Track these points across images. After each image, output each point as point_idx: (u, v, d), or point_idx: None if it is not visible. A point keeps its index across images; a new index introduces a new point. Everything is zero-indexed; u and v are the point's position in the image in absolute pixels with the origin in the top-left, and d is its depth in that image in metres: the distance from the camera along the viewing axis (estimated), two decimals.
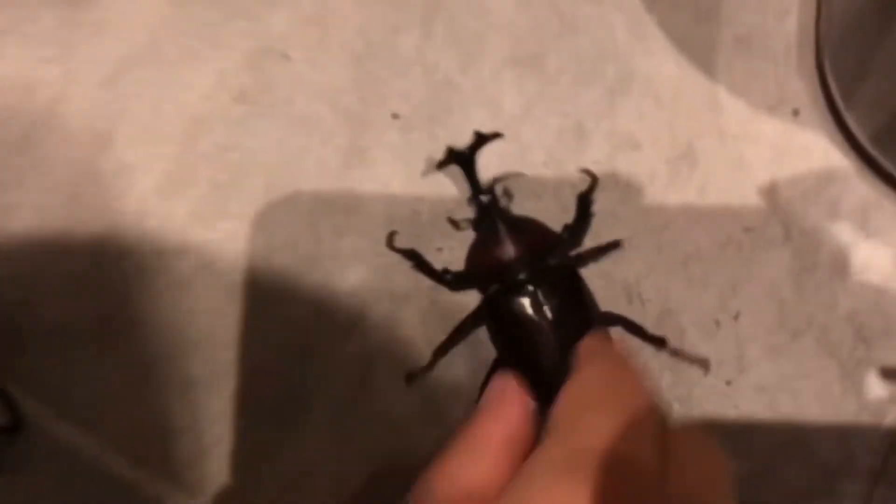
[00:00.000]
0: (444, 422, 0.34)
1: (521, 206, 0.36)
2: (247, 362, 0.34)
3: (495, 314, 0.32)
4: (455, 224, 0.35)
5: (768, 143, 0.36)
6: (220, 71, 0.38)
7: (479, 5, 0.38)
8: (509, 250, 0.31)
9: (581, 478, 0.19)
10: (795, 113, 0.37)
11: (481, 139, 0.34)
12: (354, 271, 0.35)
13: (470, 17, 0.38)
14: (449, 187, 0.36)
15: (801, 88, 0.37)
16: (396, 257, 0.35)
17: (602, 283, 0.35)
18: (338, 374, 0.34)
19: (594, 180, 0.35)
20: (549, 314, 0.30)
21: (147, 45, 0.38)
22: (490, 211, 0.33)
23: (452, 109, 0.37)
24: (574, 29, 0.38)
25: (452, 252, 0.35)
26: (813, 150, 0.36)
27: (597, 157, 0.36)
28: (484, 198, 0.33)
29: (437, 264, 0.35)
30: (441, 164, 0.34)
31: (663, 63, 0.37)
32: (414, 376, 0.34)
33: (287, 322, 0.35)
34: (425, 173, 0.36)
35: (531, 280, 0.31)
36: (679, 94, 0.37)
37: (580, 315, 0.31)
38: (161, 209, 0.36)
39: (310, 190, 0.36)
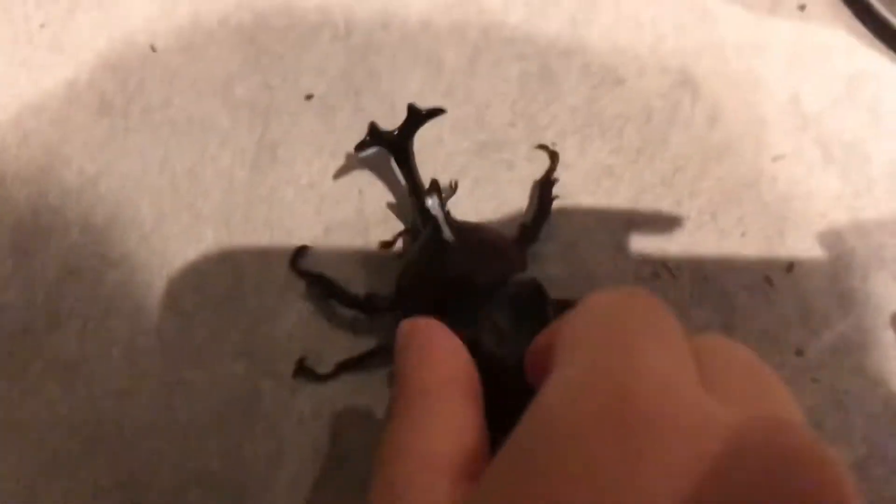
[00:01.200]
0: None
1: (493, 179, 0.28)
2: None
3: None
4: (388, 245, 0.26)
5: (778, 51, 0.29)
6: (70, 81, 0.29)
7: None
8: (460, 269, 0.23)
9: (624, 404, 0.12)
10: (801, 8, 0.29)
11: (416, 117, 0.26)
12: (294, 307, 0.26)
13: None
14: (397, 171, 0.27)
15: None
16: (347, 271, 0.26)
17: (615, 261, 0.27)
18: (293, 446, 0.25)
19: (553, 161, 0.27)
20: (513, 346, 0.21)
21: None
22: (433, 219, 0.24)
23: (380, 75, 0.29)
24: None
25: None
26: (832, 47, 0.29)
27: (574, 103, 0.28)
28: (430, 201, 0.24)
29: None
30: (361, 146, 0.26)
31: None
32: (304, 372, 0.26)
33: (216, 391, 0.26)
34: (358, 157, 0.28)
35: (490, 308, 0.22)
36: (659, 10, 0.29)
37: None
38: (21, 272, 0.27)
39: (213, 211, 0.27)
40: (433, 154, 0.28)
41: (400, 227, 0.27)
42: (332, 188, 0.28)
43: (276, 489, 0.25)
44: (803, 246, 0.27)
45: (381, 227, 0.27)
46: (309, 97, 0.28)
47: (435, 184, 0.24)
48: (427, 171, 0.26)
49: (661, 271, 0.27)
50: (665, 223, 0.27)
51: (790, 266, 0.27)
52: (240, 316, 0.26)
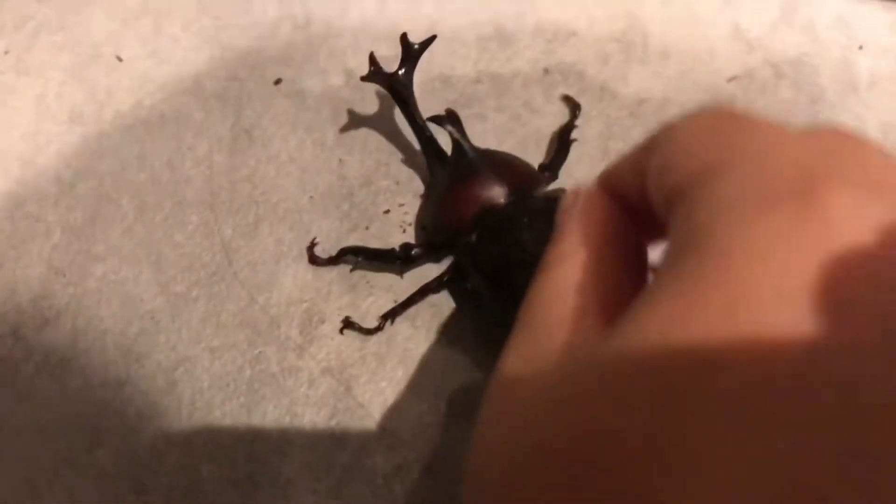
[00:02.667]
0: None
1: (468, 132, 0.28)
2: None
3: (485, 262, 0.24)
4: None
5: None
6: (39, 97, 0.29)
7: None
8: (496, 191, 0.24)
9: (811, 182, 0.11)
10: None
11: (411, 50, 0.26)
12: (288, 272, 0.26)
13: None
14: (372, 138, 0.28)
15: None
16: (339, 233, 0.26)
17: None
18: (306, 407, 0.25)
19: (575, 110, 0.28)
20: None
21: None
22: (459, 145, 0.25)
23: (344, 53, 0.30)
24: None
25: (404, 210, 0.27)
26: None
27: (533, 56, 0.30)
28: (451, 129, 0.25)
29: (391, 230, 0.27)
30: (367, 78, 0.26)
31: None
32: (352, 326, 0.25)
33: (219, 363, 0.25)
34: (336, 131, 0.28)
35: (527, 215, 0.23)
36: None
37: None
38: (4, 277, 0.26)
39: (196, 196, 0.27)
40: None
41: (385, 186, 0.27)
42: (311, 161, 0.28)
43: (291, 452, 0.24)
44: None
45: (364, 189, 0.27)
46: (277, 82, 0.29)
47: (451, 112, 0.25)
48: (404, 132, 0.27)
49: None
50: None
51: None
52: (234, 290, 0.26)
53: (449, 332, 0.25)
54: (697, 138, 0.14)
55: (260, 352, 0.25)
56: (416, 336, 0.25)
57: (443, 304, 0.26)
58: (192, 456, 0.24)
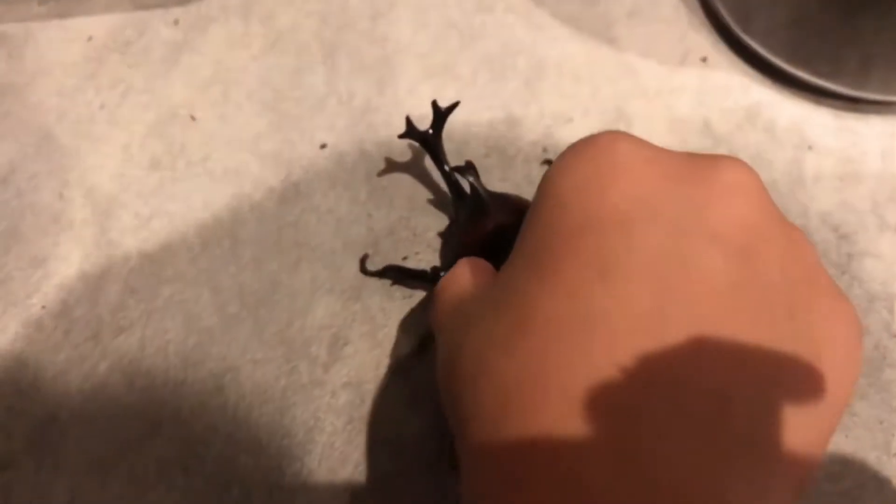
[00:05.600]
0: None
1: None
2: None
3: None
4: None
5: (690, 91, 0.37)
6: (125, 146, 0.35)
7: (377, 35, 0.38)
8: (502, 217, 0.29)
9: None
10: (704, 60, 0.38)
11: (440, 112, 0.32)
12: (321, 303, 0.32)
13: (370, 46, 0.38)
14: (397, 196, 0.34)
15: (701, 39, 0.38)
16: (362, 276, 0.32)
17: None
18: (328, 413, 0.30)
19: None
20: None
21: (39, 140, 0.36)
22: (474, 188, 0.30)
23: (378, 128, 0.36)
24: (474, 37, 0.38)
25: (419, 257, 0.33)
26: (732, 86, 0.37)
27: (534, 138, 0.36)
28: (469, 175, 0.30)
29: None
30: (403, 136, 0.32)
31: (568, 46, 0.38)
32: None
33: (259, 373, 0.31)
34: (366, 187, 0.34)
35: None
36: (593, 69, 0.37)
37: None
38: (87, 295, 0.32)
39: (250, 236, 0.33)
40: (430, 173, 0.34)
41: (405, 236, 0.33)
42: (346, 213, 0.34)
43: (313, 449, 0.29)
44: None
45: (388, 238, 0.33)
46: (323, 146, 0.35)
47: (469, 163, 0.30)
48: (422, 194, 0.33)
49: None
50: None
51: None
52: (276, 314, 0.32)
53: None
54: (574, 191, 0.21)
55: (294, 366, 0.31)
56: (422, 363, 0.31)
57: None
58: (233, 447, 0.29)
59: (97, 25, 0.39)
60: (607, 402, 0.16)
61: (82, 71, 0.37)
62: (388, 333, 0.31)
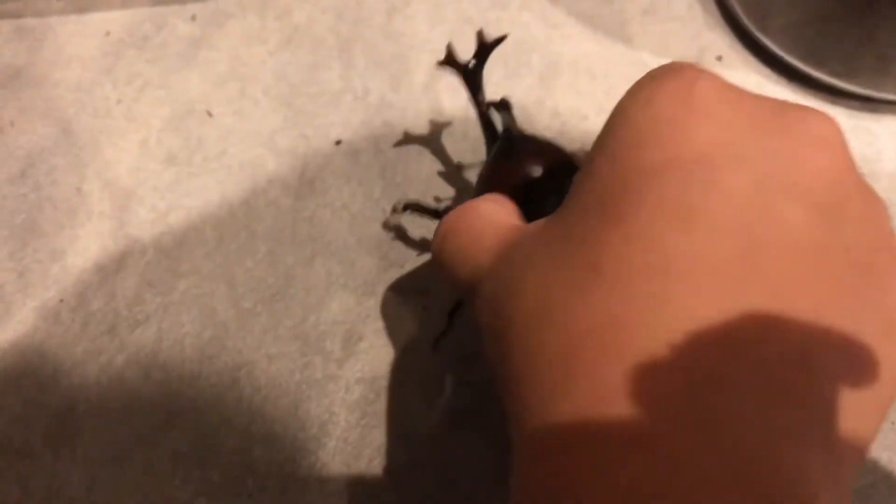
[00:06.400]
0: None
1: None
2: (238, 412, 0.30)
3: None
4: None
5: None
6: (142, 141, 0.36)
7: (393, 31, 0.38)
8: (533, 160, 0.27)
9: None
10: (719, 59, 0.38)
11: (484, 45, 0.30)
12: (335, 298, 0.32)
13: (386, 42, 0.38)
14: (411, 192, 0.34)
15: (716, 38, 0.38)
16: (378, 269, 0.32)
17: None
18: (342, 408, 0.30)
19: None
20: None
21: (58, 134, 0.36)
22: (505, 125, 0.29)
23: (393, 124, 0.36)
24: (489, 34, 0.38)
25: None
26: (747, 85, 0.36)
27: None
28: (503, 113, 0.29)
29: (422, 269, 0.32)
30: (443, 63, 0.30)
31: (582, 44, 0.38)
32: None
33: (274, 367, 0.31)
34: (388, 183, 0.34)
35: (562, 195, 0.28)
36: (608, 67, 0.37)
37: None
38: (105, 288, 0.32)
39: (266, 230, 0.33)
40: (444, 170, 0.34)
41: (417, 231, 0.33)
42: (360, 209, 0.34)
43: (327, 443, 0.30)
44: None
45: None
46: (338, 143, 0.35)
47: (505, 100, 0.30)
48: (435, 191, 0.33)
49: None
50: None
51: None
52: (291, 309, 0.32)
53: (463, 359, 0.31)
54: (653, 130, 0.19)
55: (308, 360, 0.31)
56: (435, 357, 0.31)
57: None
58: (248, 440, 0.30)
59: (115, 20, 0.39)
60: (688, 363, 0.15)
61: (100, 65, 0.38)
62: (402, 329, 0.31)
